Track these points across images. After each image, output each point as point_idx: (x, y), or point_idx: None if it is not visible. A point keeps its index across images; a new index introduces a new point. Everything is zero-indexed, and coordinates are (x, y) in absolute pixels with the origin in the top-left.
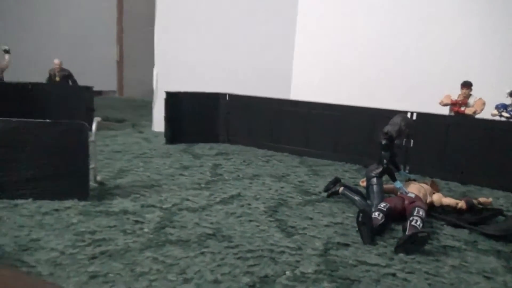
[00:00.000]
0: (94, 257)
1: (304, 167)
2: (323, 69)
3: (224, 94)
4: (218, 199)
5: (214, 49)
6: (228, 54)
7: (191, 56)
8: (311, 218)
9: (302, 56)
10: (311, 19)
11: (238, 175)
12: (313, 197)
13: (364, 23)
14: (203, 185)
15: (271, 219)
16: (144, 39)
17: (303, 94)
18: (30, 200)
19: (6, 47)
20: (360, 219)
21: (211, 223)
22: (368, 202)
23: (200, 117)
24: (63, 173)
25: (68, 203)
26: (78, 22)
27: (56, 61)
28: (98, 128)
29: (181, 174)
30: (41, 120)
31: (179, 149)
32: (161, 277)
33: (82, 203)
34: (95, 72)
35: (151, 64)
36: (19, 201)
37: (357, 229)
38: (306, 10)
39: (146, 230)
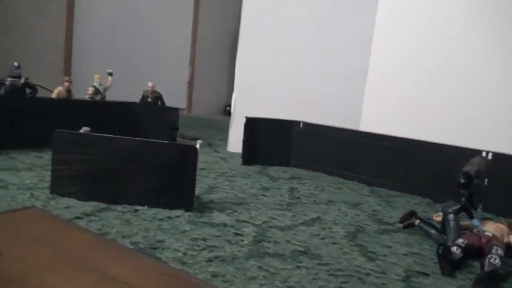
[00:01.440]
0: (210, 260)
1: (375, 197)
2: (394, 101)
3: (298, 122)
4: (300, 221)
5: (291, 77)
6: (304, 83)
7: (268, 83)
8: (389, 247)
9: (374, 88)
10: (385, 52)
11: (315, 200)
12: (388, 226)
13: (438, 57)
14: (284, 206)
15: (352, 243)
16: (213, 62)
17: (372, 124)
18: (146, 207)
19: (110, 70)
20: (440, 252)
21: (300, 241)
22: (444, 237)
23: (274, 142)
24: (173, 186)
25: (177, 212)
26: (157, 45)
27: (150, 84)
28: None
29: (263, 195)
30: (160, 141)
31: (255, 171)
32: (268, 282)
33: (188, 213)
34: (168, 91)
35: (218, 85)
36: (138, 207)
37: (435, 261)
38: (380, 44)
39: (245, 242)
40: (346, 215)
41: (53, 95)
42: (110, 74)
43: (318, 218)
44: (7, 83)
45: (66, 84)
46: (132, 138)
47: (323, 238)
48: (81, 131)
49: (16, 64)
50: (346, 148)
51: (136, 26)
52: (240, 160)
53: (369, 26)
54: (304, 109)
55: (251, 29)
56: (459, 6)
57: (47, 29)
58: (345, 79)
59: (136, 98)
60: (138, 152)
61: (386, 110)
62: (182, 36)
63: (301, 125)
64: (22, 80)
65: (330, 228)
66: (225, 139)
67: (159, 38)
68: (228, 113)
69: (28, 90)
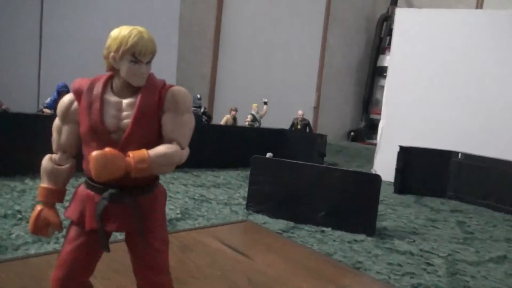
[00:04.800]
0: (415, 287)
1: None
2: None
3: (457, 152)
4: (487, 257)
5: (440, 107)
6: (457, 113)
7: (417, 113)
8: None
9: None
10: None
11: (491, 236)
12: None
13: None
14: (461, 240)
15: None
16: (338, 88)
17: None
18: (330, 229)
19: (266, 100)
20: None
21: (497, 279)
22: None
23: (428, 172)
24: (357, 211)
25: (360, 236)
26: (287, 74)
27: (300, 112)
28: None
29: (432, 226)
30: (345, 169)
31: (411, 200)
32: None
33: (370, 238)
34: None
35: (343, 111)
36: (323, 228)
37: None
38: None
39: (440, 273)
40: None
41: (222, 122)
42: (265, 103)
43: (505, 256)
44: None
45: (233, 112)
46: (318, 165)
47: None
48: (266, 156)
49: (198, 95)
50: None
51: (269, 57)
52: (390, 188)
53: None
54: (455, 140)
55: (400, 57)
56: None
57: (197, 62)
58: (506, 111)
59: (269, 123)
60: (323, 178)
61: None
62: (310, 64)
63: (459, 156)
64: (202, 110)
65: None
66: (362, 166)
67: (289, 67)
68: (352, 139)
69: (204, 118)
